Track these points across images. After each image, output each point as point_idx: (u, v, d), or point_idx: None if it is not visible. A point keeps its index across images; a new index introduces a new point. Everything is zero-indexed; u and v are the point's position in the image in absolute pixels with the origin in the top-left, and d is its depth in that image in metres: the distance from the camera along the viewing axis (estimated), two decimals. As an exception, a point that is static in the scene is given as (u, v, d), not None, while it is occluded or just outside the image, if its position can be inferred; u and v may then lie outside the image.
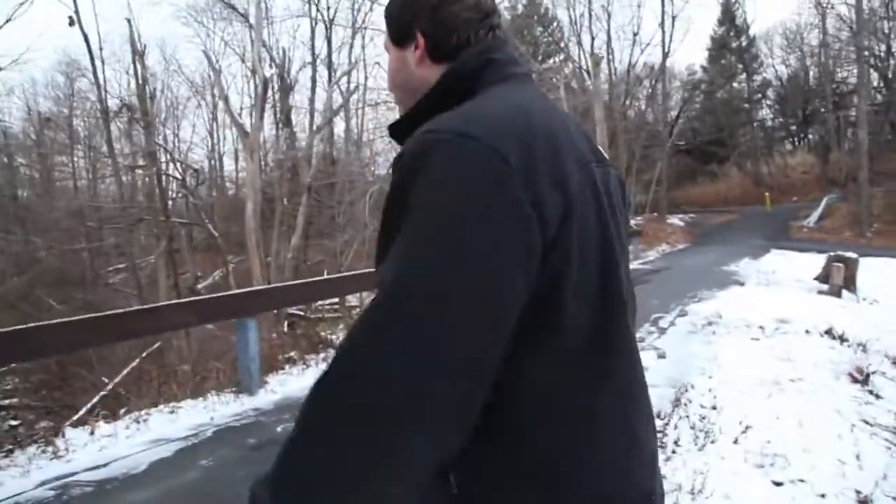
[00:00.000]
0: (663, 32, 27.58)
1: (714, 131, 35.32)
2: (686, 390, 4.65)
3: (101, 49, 18.91)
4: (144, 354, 10.91)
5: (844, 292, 9.93)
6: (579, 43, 29.17)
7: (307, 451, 0.69)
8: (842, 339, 6.42)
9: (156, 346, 11.73)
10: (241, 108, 28.13)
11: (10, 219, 19.67)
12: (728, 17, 38.91)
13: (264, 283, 15.20)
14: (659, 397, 4.62)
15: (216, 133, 29.54)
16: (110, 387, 7.81)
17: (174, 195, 20.66)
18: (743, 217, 25.73)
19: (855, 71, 32.57)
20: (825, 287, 10.10)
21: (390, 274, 0.70)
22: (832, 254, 10.68)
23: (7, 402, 9.93)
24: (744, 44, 37.89)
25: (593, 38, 29.28)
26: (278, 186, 18.63)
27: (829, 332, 6.56)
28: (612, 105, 25.27)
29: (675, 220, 25.26)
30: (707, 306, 8.29)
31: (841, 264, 10.02)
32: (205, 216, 18.71)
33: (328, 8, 21.51)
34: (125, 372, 6.85)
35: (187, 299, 6.27)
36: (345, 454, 0.66)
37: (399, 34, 0.99)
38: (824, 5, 29.85)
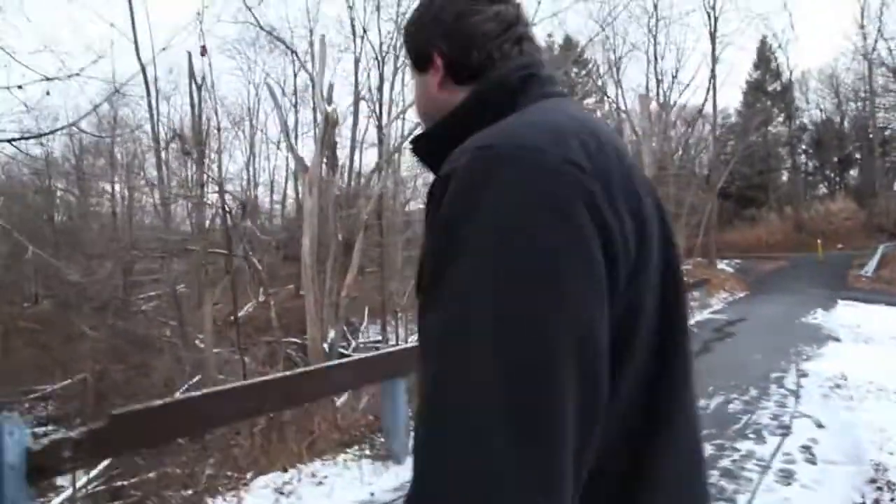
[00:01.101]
0: (713, 76, 27.41)
1: (753, 175, 35.09)
2: (881, 470, 4.33)
3: (156, 80, 19.11)
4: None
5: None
6: (618, 83, 28.79)
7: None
8: None
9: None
10: (279, 142, 28.45)
11: (48, 242, 19.72)
12: (764, 60, 39.09)
13: (318, 319, 15.06)
14: (847, 475, 4.33)
15: (253, 165, 29.64)
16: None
17: (228, 225, 20.71)
18: (793, 264, 25.21)
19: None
20: (926, 345, 9.73)
21: (456, 316, 0.58)
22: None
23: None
24: (779, 88, 37.92)
25: (618, 82, 28.50)
26: (334, 221, 18.59)
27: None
28: (662, 147, 25.08)
29: (724, 265, 24.84)
30: (822, 365, 7.96)
31: (945, 322, 9.66)
32: (249, 248, 18.72)
33: (381, 44, 21.49)
34: (259, 425, 6.41)
35: (347, 360, 5.97)
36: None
37: (418, 58, 0.93)
38: (870, 57, 29.77)
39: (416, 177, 21.91)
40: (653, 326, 0.70)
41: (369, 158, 23.03)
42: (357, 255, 17.56)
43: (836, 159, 39.30)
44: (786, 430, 5.30)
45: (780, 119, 37.72)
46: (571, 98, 0.91)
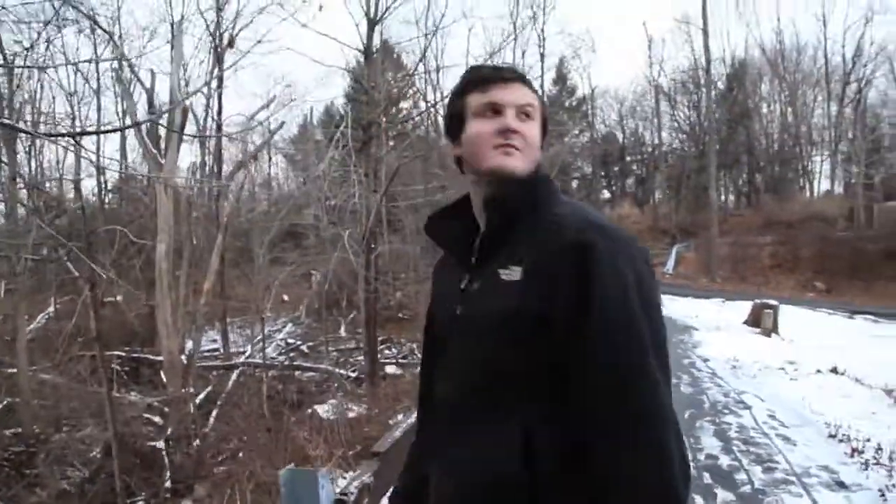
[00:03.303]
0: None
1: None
2: (832, 426, 5.67)
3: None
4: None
5: (773, 333, 12.01)
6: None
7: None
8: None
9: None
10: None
11: None
12: (561, 77, 43.68)
13: (174, 330, 14.07)
14: (814, 433, 5.62)
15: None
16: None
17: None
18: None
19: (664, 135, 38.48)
20: (758, 329, 12.11)
21: (622, 332, 0.98)
22: (758, 301, 12.84)
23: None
24: (574, 103, 42.65)
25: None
26: (188, 224, 17.32)
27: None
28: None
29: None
30: (710, 351, 9.65)
31: (770, 311, 12.10)
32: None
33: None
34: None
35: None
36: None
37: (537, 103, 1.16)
38: (655, 84, 34.91)
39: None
40: None
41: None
42: (216, 258, 16.55)
43: (616, 169, 45.28)
44: (744, 404, 6.57)
45: (576, 132, 42.23)
46: None
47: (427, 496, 1.17)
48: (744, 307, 14.06)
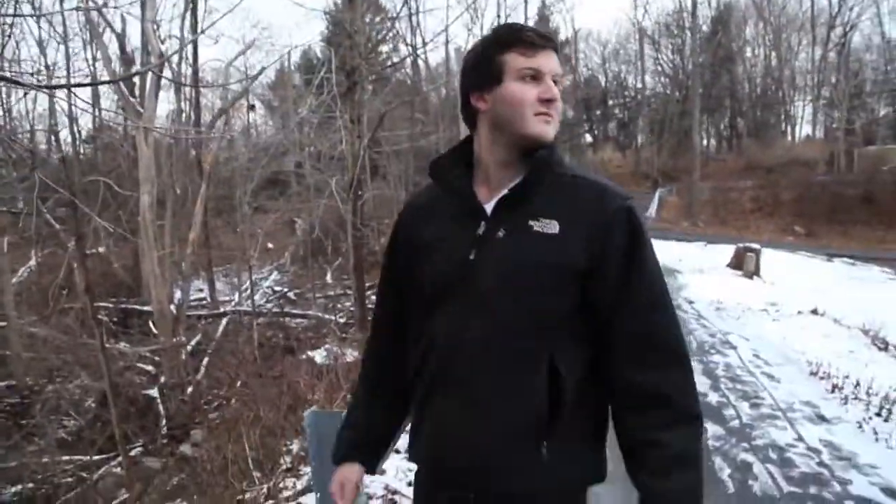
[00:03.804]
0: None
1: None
2: (813, 365, 5.90)
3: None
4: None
5: (755, 276, 12.27)
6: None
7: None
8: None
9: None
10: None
11: None
12: (543, 19, 42.85)
13: (162, 280, 13.97)
14: (796, 371, 5.85)
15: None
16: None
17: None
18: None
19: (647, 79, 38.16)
20: (740, 272, 12.37)
21: (657, 281, 1.17)
22: (740, 245, 13.06)
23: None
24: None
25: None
26: (169, 173, 17.07)
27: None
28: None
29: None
30: (694, 293, 9.87)
31: (752, 254, 12.34)
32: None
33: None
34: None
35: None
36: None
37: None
38: (640, 27, 34.30)
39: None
40: None
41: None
42: (200, 207, 16.38)
43: (599, 113, 45.02)
44: (730, 344, 6.78)
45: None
46: None
47: (386, 441, 1.41)
48: (726, 250, 14.31)
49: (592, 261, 1.12)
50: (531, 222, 1.15)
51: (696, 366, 5.60)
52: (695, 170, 24.15)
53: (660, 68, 38.75)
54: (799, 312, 8.63)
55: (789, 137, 36.33)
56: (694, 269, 12.59)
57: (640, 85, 39.40)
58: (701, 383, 5.42)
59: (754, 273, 12.15)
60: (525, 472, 1.16)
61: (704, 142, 34.55)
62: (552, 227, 1.14)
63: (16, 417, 10.47)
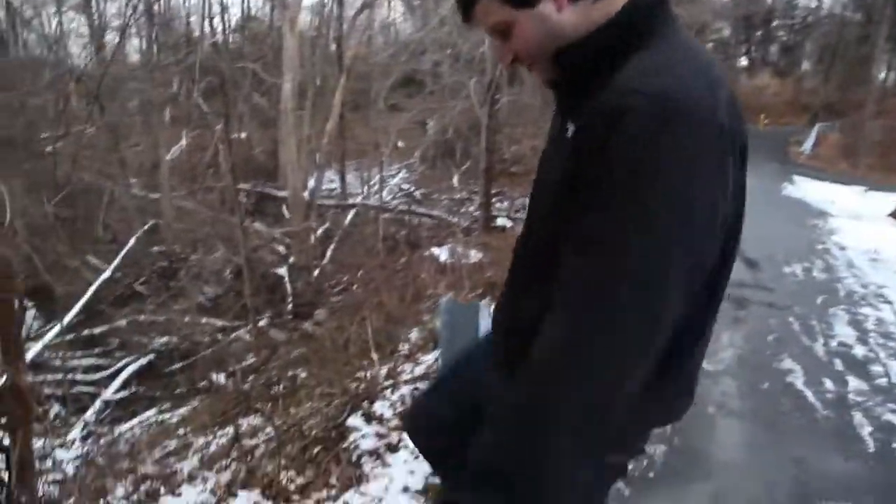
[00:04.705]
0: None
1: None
2: None
3: None
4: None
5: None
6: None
7: None
8: None
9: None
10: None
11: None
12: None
13: (298, 167, 14.41)
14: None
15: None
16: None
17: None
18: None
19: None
20: (904, 223, 11.07)
21: (628, 230, 0.79)
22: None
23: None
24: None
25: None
26: (311, 64, 17.46)
27: None
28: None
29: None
30: (847, 239, 8.97)
31: (923, 204, 10.96)
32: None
33: None
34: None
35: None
36: None
37: None
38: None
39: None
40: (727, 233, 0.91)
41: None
42: (339, 99, 16.70)
43: (759, 34, 40.71)
44: (884, 298, 6.14)
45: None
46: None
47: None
48: (890, 199, 12.86)
49: (574, 172, 0.86)
50: (568, 124, 0.94)
51: (841, 314, 5.19)
52: (867, 105, 21.47)
53: (842, -15, 34.09)
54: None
55: None
56: (849, 214, 11.42)
57: (813, 4, 34.96)
58: (846, 335, 4.99)
59: (922, 225, 10.83)
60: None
61: (883, 74, 30.47)
62: (571, 130, 0.92)
63: (165, 279, 11.63)
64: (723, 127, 0.79)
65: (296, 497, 2.51)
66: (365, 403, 3.07)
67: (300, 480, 2.62)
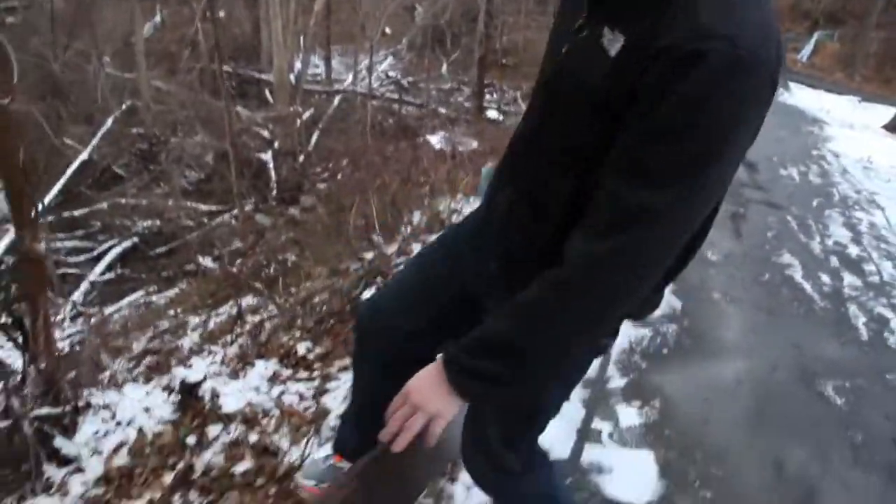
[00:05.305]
0: None
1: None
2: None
3: None
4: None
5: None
6: None
7: None
8: None
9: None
10: None
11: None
12: None
13: (284, 49, 13.77)
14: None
15: None
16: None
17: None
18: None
19: None
20: (898, 134, 11.09)
21: (693, 165, 0.82)
22: (905, 104, 11.56)
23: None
24: None
25: None
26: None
27: None
28: None
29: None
30: (841, 146, 8.99)
31: (918, 116, 10.95)
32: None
33: None
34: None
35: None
36: None
37: None
38: None
39: None
40: None
41: None
42: (323, -21, 15.76)
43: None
44: (876, 204, 6.22)
45: None
46: None
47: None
48: (883, 112, 12.83)
49: (625, 99, 0.83)
50: (605, 29, 0.87)
51: (836, 217, 5.25)
52: (871, 15, 20.86)
53: None
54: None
55: None
56: (843, 124, 11.39)
57: None
58: (841, 235, 5.08)
59: (914, 136, 10.86)
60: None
61: (888, -18, 29.53)
62: (615, 44, 0.85)
63: (146, 162, 11.28)
64: (776, 83, 0.83)
65: (317, 365, 2.52)
66: (379, 279, 3.05)
67: (319, 350, 2.63)
